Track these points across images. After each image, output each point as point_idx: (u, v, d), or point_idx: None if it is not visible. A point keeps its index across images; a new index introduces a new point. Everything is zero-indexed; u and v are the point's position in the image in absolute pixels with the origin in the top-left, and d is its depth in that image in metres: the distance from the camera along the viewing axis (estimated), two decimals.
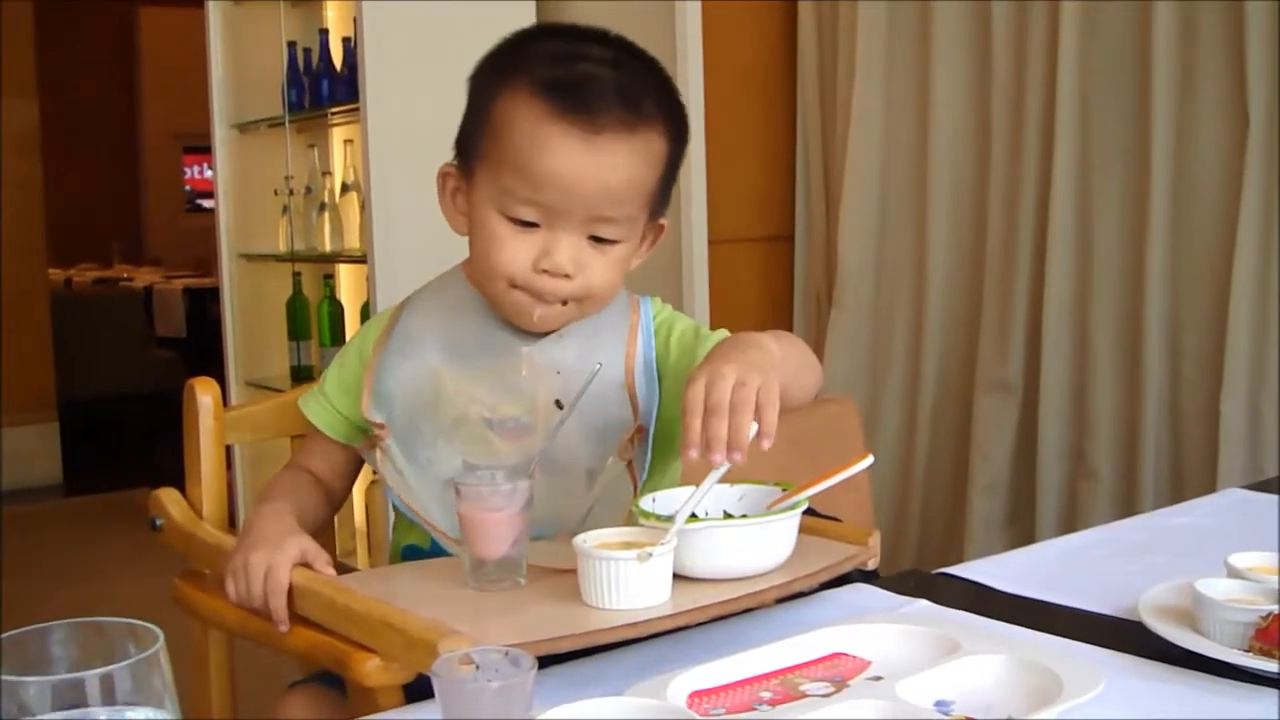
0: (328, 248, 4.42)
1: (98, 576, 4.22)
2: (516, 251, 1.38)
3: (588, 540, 1.19)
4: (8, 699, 0.61)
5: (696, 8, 3.64)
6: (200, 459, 1.56)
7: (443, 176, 1.47)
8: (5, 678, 0.61)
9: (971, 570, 1.48)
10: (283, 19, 4.47)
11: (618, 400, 1.45)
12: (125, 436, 7.42)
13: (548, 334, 1.45)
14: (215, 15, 4.59)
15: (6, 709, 0.60)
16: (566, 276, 1.38)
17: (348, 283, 4.54)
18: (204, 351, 6.60)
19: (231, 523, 1.58)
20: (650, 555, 1.15)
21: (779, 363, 1.24)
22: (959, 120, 3.35)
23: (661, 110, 1.39)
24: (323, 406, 1.53)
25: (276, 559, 1.27)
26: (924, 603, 1.34)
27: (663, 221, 1.49)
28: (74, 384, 7.01)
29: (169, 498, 1.53)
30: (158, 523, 1.53)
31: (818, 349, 3.70)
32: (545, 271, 1.37)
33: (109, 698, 0.62)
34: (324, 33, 4.35)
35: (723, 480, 1.24)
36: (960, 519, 3.32)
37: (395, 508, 1.49)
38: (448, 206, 1.47)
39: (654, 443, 1.46)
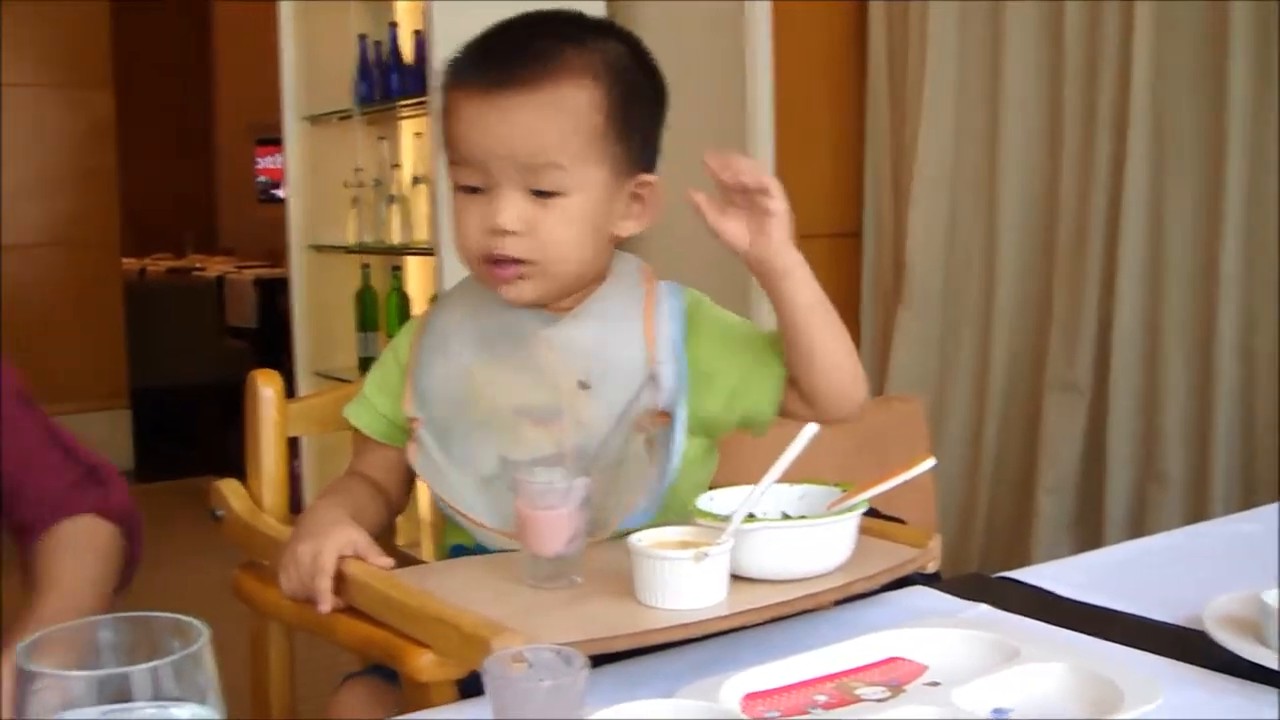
0: (396, 240, 4.45)
1: (163, 564, 4.26)
2: (469, 218, 1.44)
3: (643, 539, 1.18)
4: (55, 692, 0.61)
5: (766, 6, 3.63)
6: (261, 451, 1.57)
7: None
8: (52, 671, 0.61)
9: (1033, 575, 1.46)
10: (353, 12, 4.51)
11: (642, 383, 1.45)
12: (196, 425, 7.48)
13: (565, 317, 1.47)
14: (287, 9, 4.64)
15: (53, 702, 0.61)
16: (511, 233, 1.41)
17: (416, 275, 4.56)
18: (274, 342, 6.64)
19: (295, 513, 1.59)
20: (706, 555, 1.14)
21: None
22: (1030, 118, 3.31)
23: (584, 55, 1.43)
24: (366, 409, 1.54)
25: (323, 545, 1.29)
26: (984, 607, 1.32)
27: (646, 178, 1.50)
28: (146, 372, 7.08)
29: (230, 489, 1.54)
30: (218, 514, 1.54)
31: (884, 347, 3.68)
32: (494, 231, 1.41)
33: (154, 693, 0.62)
34: (394, 26, 4.38)
35: (783, 480, 1.24)
36: (1027, 520, 3.29)
37: (439, 508, 1.50)
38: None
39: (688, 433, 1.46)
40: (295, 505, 1.60)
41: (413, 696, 1.16)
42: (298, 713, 1.53)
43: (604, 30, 1.49)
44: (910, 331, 3.60)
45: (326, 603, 1.27)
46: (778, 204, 1.36)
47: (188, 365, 7.91)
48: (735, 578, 1.19)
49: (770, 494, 1.25)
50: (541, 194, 1.41)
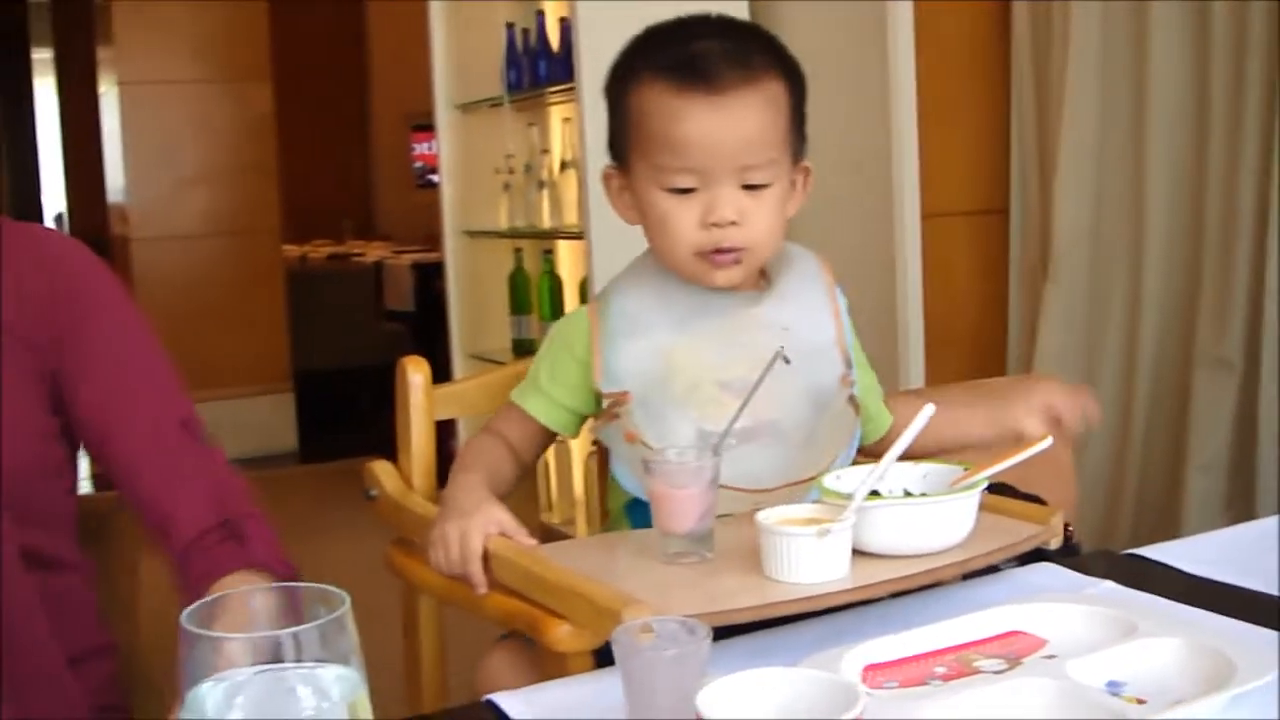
0: (547, 224, 4.53)
1: (323, 540, 4.41)
2: (684, 217, 1.51)
3: (770, 516, 1.23)
4: (214, 653, 0.68)
5: (908, 5, 3.63)
6: (411, 434, 1.65)
7: (606, 178, 1.61)
8: (210, 633, 0.68)
9: (1162, 551, 1.48)
10: (501, 1, 4.59)
11: (833, 359, 1.58)
12: (357, 406, 7.67)
13: (766, 297, 1.58)
14: None
15: (212, 662, 0.68)
16: (733, 224, 1.49)
17: (567, 258, 4.64)
18: (430, 325, 6.78)
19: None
20: (829, 531, 1.19)
21: None
22: (1177, 93, 3.27)
23: (772, 62, 1.54)
24: (540, 397, 1.60)
25: (469, 527, 1.37)
26: (1108, 584, 1.35)
27: (806, 164, 1.60)
28: (308, 356, 7.27)
29: (382, 470, 1.62)
30: (372, 493, 1.62)
31: (1031, 325, 3.67)
32: (714, 225, 1.49)
33: (300, 655, 0.69)
34: (540, 14, 4.46)
35: (906, 458, 1.28)
36: (1177, 499, 3.27)
37: (617, 479, 1.56)
38: (616, 203, 1.60)
39: None
40: (445, 484, 1.68)
41: (551, 665, 1.22)
42: (448, 675, 1.61)
43: (760, 30, 1.60)
44: (1057, 309, 3.58)
45: (482, 585, 1.35)
46: None
47: (348, 349, 8.10)
48: (858, 553, 1.24)
49: (895, 473, 1.30)
50: (751, 187, 1.51)
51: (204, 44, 6.64)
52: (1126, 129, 3.40)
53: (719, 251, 1.51)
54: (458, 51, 4.78)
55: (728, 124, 1.49)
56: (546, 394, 1.59)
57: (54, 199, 8.09)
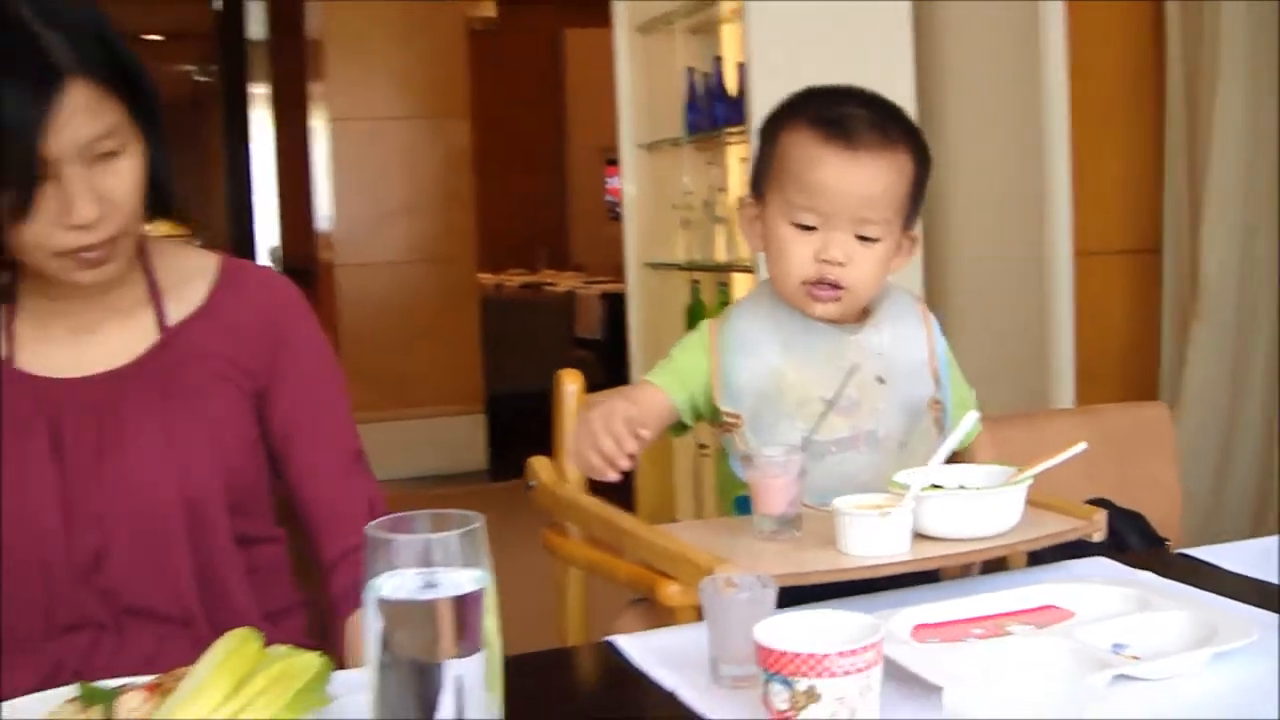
0: (722, 258, 4.78)
1: (509, 552, 4.71)
2: (801, 249, 1.76)
3: (846, 501, 1.49)
4: (387, 551, 0.97)
5: (1060, 9, 3.73)
6: (565, 434, 1.94)
7: (742, 206, 1.88)
8: (384, 535, 0.97)
9: (1210, 552, 1.67)
10: (682, 46, 4.87)
11: (924, 379, 1.83)
12: (545, 429, 7.99)
13: (864, 326, 1.82)
14: (623, 43, 5.03)
15: (384, 560, 0.96)
16: (840, 265, 1.74)
17: (741, 290, 4.84)
18: (618, 352, 7.05)
19: (592, 488, 1.93)
20: (889, 514, 1.44)
21: None
22: None
23: (906, 138, 1.79)
24: (673, 377, 1.83)
25: (611, 408, 1.62)
26: (1147, 575, 1.56)
27: (914, 234, 1.85)
28: (500, 379, 7.60)
29: (540, 464, 1.91)
30: (531, 484, 1.91)
31: (1179, 363, 3.77)
32: (824, 261, 1.75)
33: (447, 559, 0.97)
34: (719, 60, 4.71)
35: (967, 460, 1.54)
36: None
37: (735, 473, 1.81)
38: (746, 230, 1.87)
39: None
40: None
41: (664, 617, 1.50)
42: (590, 636, 1.88)
43: (902, 112, 1.85)
44: (1203, 344, 3.67)
45: (624, 458, 1.59)
46: None
47: (538, 373, 8.38)
48: (921, 537, 1.49)
49: (961, 473, 1.55)
50: (863, 238, 1.76)
51: (408, 82, 7.05)
52: (1274, 160, 3.50)
53: (823, 285, 1.76)
54: (645, 92, 5.06)
55: (856, 179, 1.74)
56: (679, 376, 1.83)
57: (267, 228, 8.59)
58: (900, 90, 4.10)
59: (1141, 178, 3.93)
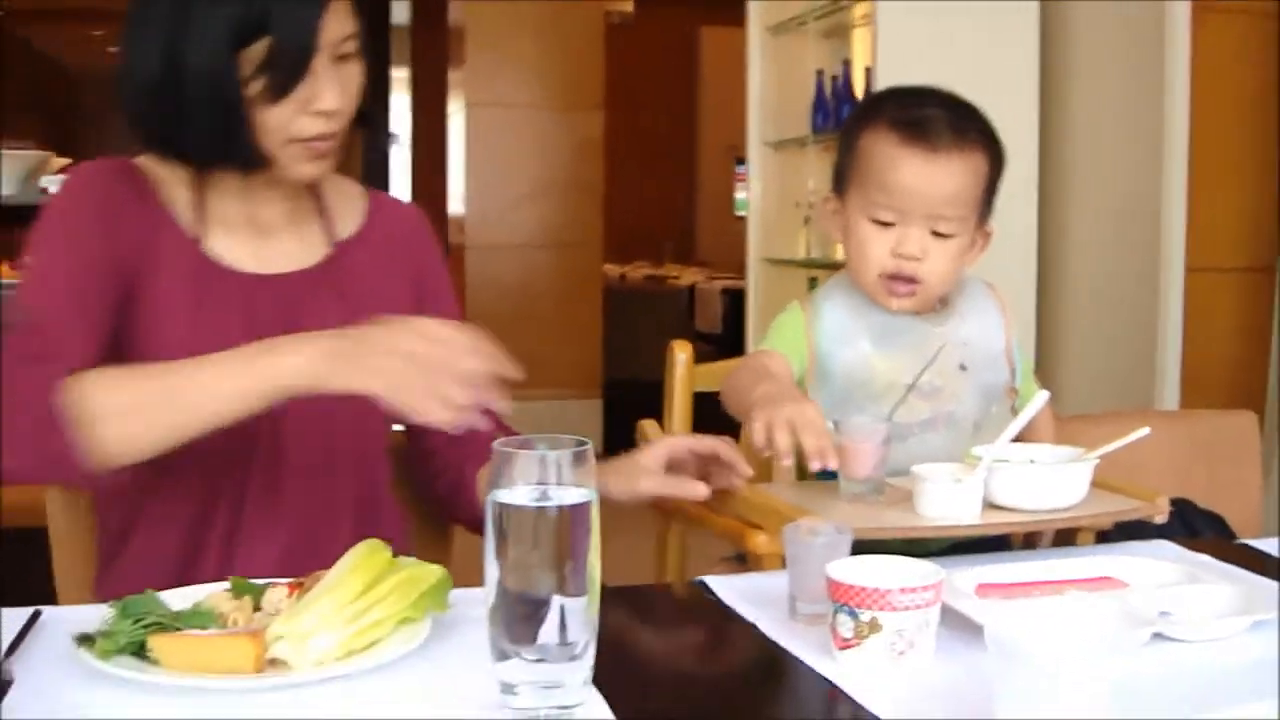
0: (840, 256, 4.90)
1: (619, 537, 4.87)
2: (880, 243, 1.88)
3: (924, 468, 1.62)
4: (508, 465, 1.12)
5: (1185, 23, 3.78)
6: (675, 399, 2.12)
7: (824, 202, 2.01)
8: (507, 450, 1.13)
9: (1271, 544, 1.77)
10: (812, 48, 5.00)
11: (1002, 366, 1.96)
12: (659, 418, 8.15)
13: (948, 317, 1.94)
14: (755, 43, 5.17)
15: (505, 474, 1.12)
16: (916, 259, 1.86)
17: None
18: (736, 347, 7.18)
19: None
20: (960, 481, 1.57)
21: None
22: None
23: (982, 139, 1.89)
24: (785, 344, 1.95)
25: (805, 408, 1.66)
26: (1206, 557, 1.67)
27: (988, 229, 1.96)
28: (618, 367, 7.76)
29: (650, 427, 2.06)
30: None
31: None
32: (901, 256, 1.86)
33: (559, 477, 1.12)
34: (847, 63, 4.83)
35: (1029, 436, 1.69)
36: None
37: None
38: (827, 223, 2.01)
39: None
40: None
41: (754, 565, 1.64)
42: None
43: (979, 113, 1.94)
44: None
45: (830, 457, 1.63)
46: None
47: (656, 364, 8.57)
48: (991, 506, 1.62)
49: (1033, 450, 1.68)
50: (938, 234, 1.87)
51: (545, 72, 7.25)
52: None
53: (899, 279, 1.88)
54: (774, 92, 5.20)
55: (933, 178, 1.85)
56: (790, 343, 1.95)
57: None
58: (1024, 98, 4.20)
59: (1260, 196, 3.97)
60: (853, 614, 1.24)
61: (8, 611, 1.38)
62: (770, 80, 5.19)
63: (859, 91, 4.73)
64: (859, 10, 4.70)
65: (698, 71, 11.43)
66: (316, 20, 1.57)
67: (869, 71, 4.49)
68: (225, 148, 1.62)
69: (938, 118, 1.87)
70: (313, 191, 1.81)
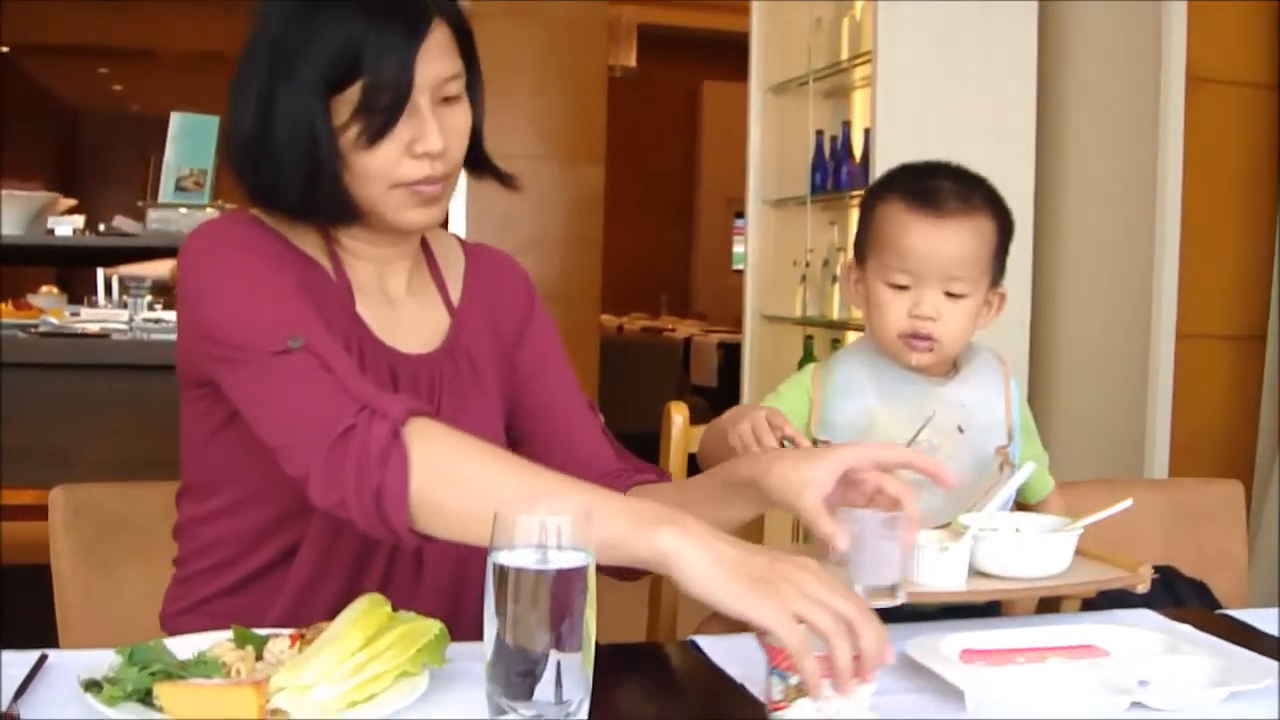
0: (836, 315, 4.95)
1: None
2: (897, 306, 1.97)
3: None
4: (509, 529, 1.16)
5: (1179, 96, 3.84)
6: (671, 460, 2.14)
7: (845, 270, 2.09)
8: (508, 515, 1.16)
9: (1254, 615, 1.81)
10: (813, 109, 5.05)
11: (998, 431, 2.02)
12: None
13: (952, 379, 2.02)
14: (756, 101, 5.22)
15: (504, 537, 1.16)
16: (932, 319, 1.95)
17: None
18: (730, 401, 7.22)
19: None
20: (948, 548, 1.61)
21: None
22: None
23: (988, 205, 1.99)
24: (780, 404, 2.00)
25: (757, 417, 1.80)
26: (1187, 628, 1.70)
27: (1002, 291, 2.05)
28: (614, 418, 7.76)
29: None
30: None
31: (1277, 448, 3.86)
32: (917, 316, 1.95)
33: (559, 540, 1.17)
34: (847, 124, 4.90)
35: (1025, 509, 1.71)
36: None
37: None
38: (849, 291, 2.08)
39: None
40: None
41: (739, 625, 1.66)
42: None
43: (986, 183, 2.04)
44: None
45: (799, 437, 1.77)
46: None
47: (652, 415, 8.61)
48: (977, 574, 1.66)
49: (1019, 519, 1.72)
50: (951, 295, 1.96)
51: (547, 125, 7.32)
52: None
53: (916, 336, 1.96)
54: (773, 151, 5.25)
55: (942, 242, 1.95)
56: (790, 400, 2.02)
57: None
58: (1021, 164, 4.26)
59: (1252, 265, 4.02)
60: (783, 677, 1.28)
61: (14, 655, 1.41)
62: (770, 139, 5.24)
63: (858, 153, 4.78)
64: (859, 72, 4.76)
65: (699, 124, 11.53)
66: (411, 59, 1.56)
67: (868, 133, 4.54)
68: (315, 196, 1.61)
69: (945, 187, 1.97)
70: (428, 255, 1.83)
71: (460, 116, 1.66)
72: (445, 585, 1.73)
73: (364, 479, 1.40)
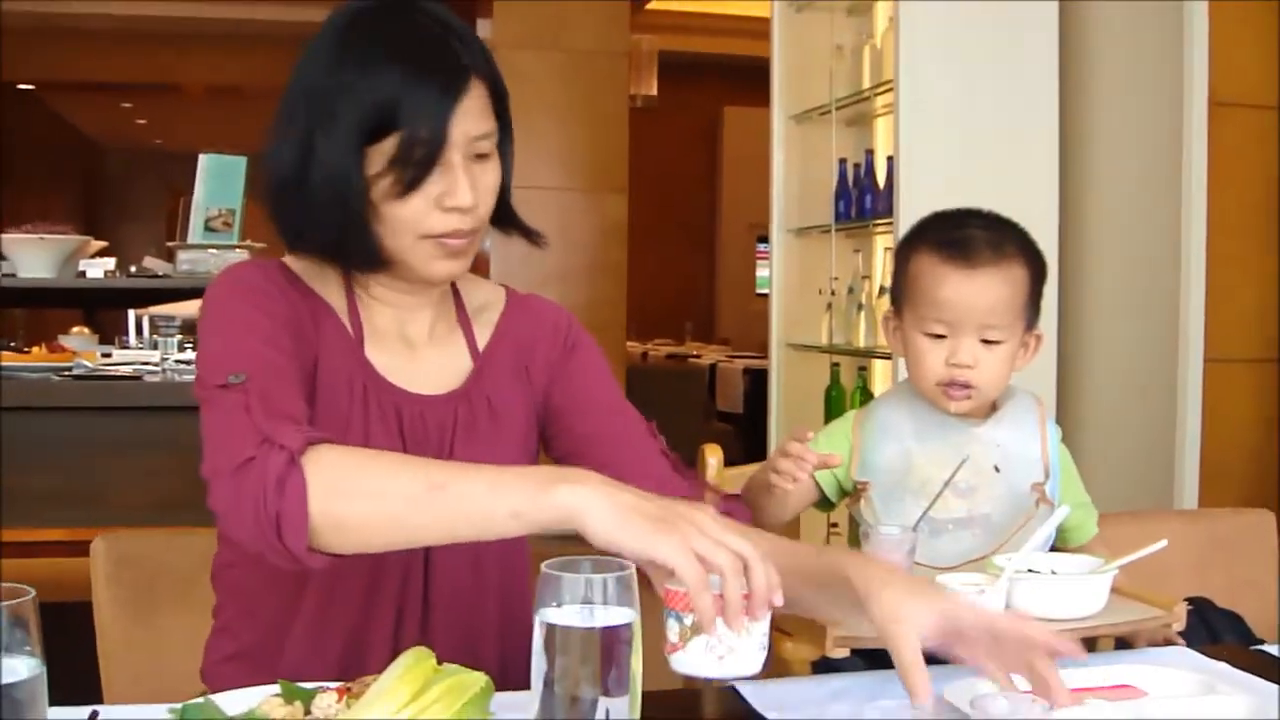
0: (862, 343, 4.95)
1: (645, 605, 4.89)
2: (935, 355, 2.00)
3: (947, 578, 1.68)
4: (555, 586, 1.18)
5: (1203, 118, 3.85)
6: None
7: (885, 320, 2.12)
8: (554, 573, 1.19)
9: None
10: (836, 137, 5.06)
11: (1034, 470, 2.03)
12: None
13: (988, 421, 2.03)
14: (779, 129, 5.23)
15: (552, 593, 1.18)
16: (969, 367, 1.97)
17: (879, 376, 5.02)
18: (756, 428, 7.22)
19: None
20: (984, 591, 1.63)
21: None
22: None
23: (1019, 250, 2.01)
24: (822, 444, 2.03)
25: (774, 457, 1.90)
26: (1223, 666, 1.71)
27: (1038, 333, 2.06)
28: None
29: None
30: None
31: None
32: (954, 365, 1.97)
33: (605, 597, 1.19)
34: (870, 153, 4.91)
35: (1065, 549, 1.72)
36: None
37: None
38: (890, 339, 2.10)
39: None
40: None
41: (782, 669, 1.69)
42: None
43: (1018, 228, 2.06)
44: None
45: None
46: None
47: (678, 442, 8.60)
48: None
49: (1055, 561, 1.73)
50: (987, 342, 1.98)
51: (569, 156, 7.36)
52: None
53: (954, 385, 1.98)
54: (796, 179, 5.27)
55: (976, 292, 1.97)
56: (827, 445, 2.03)
57: None
58: (1043, 196, 4.27)
59: (1276, 287, 4.03)
60: (679, 619, 1.32)
61: (63, 711, 1.43)
62: (793, 167, 5.25)
63: (881, 181, 4.80)
64: (881, 100, 4.78)
65: (720, 149, 11.55)
66: (449, 114, 1.59)
67: (891, 161, 4.56)
68: (344, 243, 1.65)
69: (977, 236, 1.99)
70: (457, 302, 1.86)
71: (491, 174, 1.69)
72: (458, 626, 1.76)
73: (263, 508, 1.40)
